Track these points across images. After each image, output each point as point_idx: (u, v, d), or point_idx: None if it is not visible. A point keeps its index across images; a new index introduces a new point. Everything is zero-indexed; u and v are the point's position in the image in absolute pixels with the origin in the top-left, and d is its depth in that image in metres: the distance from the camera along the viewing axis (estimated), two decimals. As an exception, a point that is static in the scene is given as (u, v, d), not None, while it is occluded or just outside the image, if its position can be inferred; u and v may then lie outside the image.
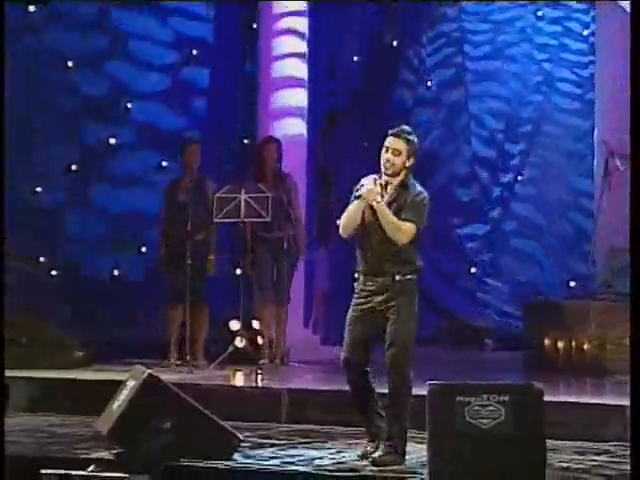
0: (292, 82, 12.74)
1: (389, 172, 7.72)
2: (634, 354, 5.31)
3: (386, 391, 7.82)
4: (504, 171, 14.28)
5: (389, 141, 7.72)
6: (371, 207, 7.72)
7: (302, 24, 12.79)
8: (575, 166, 13.81)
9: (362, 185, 7.70)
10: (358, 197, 7.73)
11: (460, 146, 14.15)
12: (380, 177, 7.75)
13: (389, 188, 7.75)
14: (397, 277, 7.80)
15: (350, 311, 7.93)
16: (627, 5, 12.91)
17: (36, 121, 11.72)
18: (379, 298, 7.82)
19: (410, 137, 7.77)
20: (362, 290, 7.88)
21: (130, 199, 12.47)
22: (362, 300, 7.87)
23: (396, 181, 7.75)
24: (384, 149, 7.73)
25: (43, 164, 11.78)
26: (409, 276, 7.82)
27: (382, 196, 7.71)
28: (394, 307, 7.79)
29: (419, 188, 7.81)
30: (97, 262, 11.96)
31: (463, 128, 14.20)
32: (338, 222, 12.83)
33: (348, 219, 7.83)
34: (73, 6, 11.81)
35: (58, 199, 12.19)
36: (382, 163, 7.71)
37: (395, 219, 7.68)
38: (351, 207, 7.80)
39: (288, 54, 12.70)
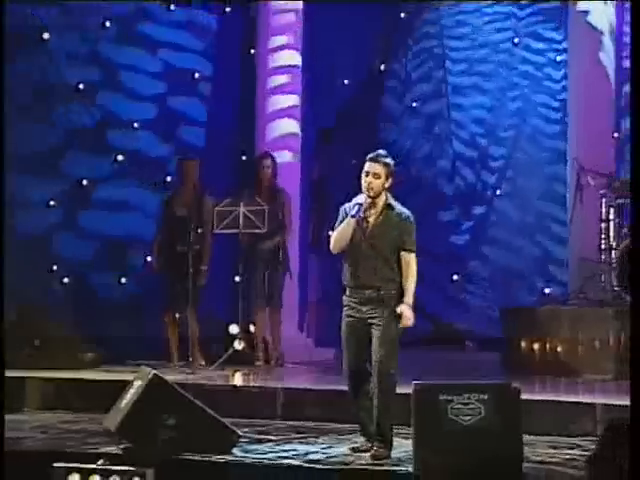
0: (286, 106, 12.74)
1: (371, 194, 7.79)
2: (634, 354, 5.19)
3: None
4: (484, 189, 14.14)
5: (368, 166, 7.80)
6: (359, 225, 7.80)
7: (296, 57, 12.82)
8: (551, 183, 13.75)
9: (355, 205, 7.75)
10: (352, 216, 7.78)
11: (442, 165, 14.03)
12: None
13: (375, 209, 7.83)
14: (382, 291, 7.86)
15: (343, 323, 8.01)
16: (596, 22, 12.95)
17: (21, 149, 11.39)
18: (365, 309, 7.88)
19: (387, 160, 7.86)
20: (350, 302, 7.96)
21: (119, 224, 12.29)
22: (351, 312, 7.95)
23: (381, 201, 7.84)
24: (364, 173, 7.81)
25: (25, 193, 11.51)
26: (393, 290, 7.88)
27: (369, 215, 7.82)
28: (379, 317, 7.84)
29: (402, 208, 7.94)
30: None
31: (444, 150, 14.10)
32: (330, 233, 12.94)
33: (339, 237, 7.91)
34: (67, 40, 11.67)
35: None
36: (364, 187, 7.80)
37: (413, 286, 7.91)
38: (342, 226, 7.87)
39: (284, 76, 12.73)
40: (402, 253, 7.88)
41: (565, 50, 13.56)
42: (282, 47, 12.77)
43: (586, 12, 12.93)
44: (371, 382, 7.92)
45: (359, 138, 13.37)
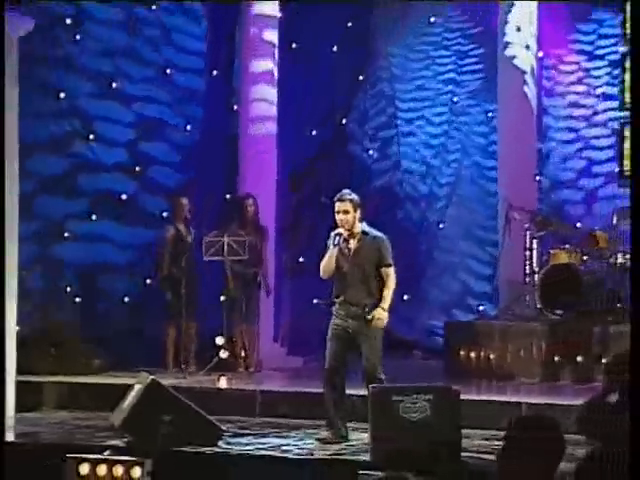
0: (264, 152, 12.69)
1: (347, 227, 7.88)
2: (634, 354, 4.89)
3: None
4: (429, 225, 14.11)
5: (338, 205, 7.87)
6: (342, 253, 7.87)
7: (273, 109, 12.78)
8: (485, 216, 13.74)
9: (335, 236, 7.84)
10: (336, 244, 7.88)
11: (393, 201, 13.96)
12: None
13: (353, 238, 7.90)
14: (366, 307, 7.94)
15: (330, 329, 8.04)
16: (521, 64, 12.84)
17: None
18: (352, 322, 7.94)
19: (351, 197, 7.93)
20: (339, 314, 8.00)
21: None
22: (339, 321, 7.99)
23: (357, 230, 7.92)
24: (336, 213, 7.88)
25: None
26: (375, 305, 7.95)
27: (350, 243, 7.89)
28: (365, 331, 7.92)
29: (376, 232, 8.05)
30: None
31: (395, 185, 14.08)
32: (301, 259, 13.00)
33: (327, 265, 7.95)
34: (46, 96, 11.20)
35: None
36: (339, 223, 7.86)
37: (390, 294, 7.95)
38: (327, 257, 7.92)
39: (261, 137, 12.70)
40: (382, 269, 7.97)
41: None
42: (259, 99, 12.69)
43: (513, 57, 12.89)
44: (344, 380, 8.01)
45: (326, 180, 13.31)
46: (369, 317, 7.90)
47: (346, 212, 7.86)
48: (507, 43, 12.91)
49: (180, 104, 12.81)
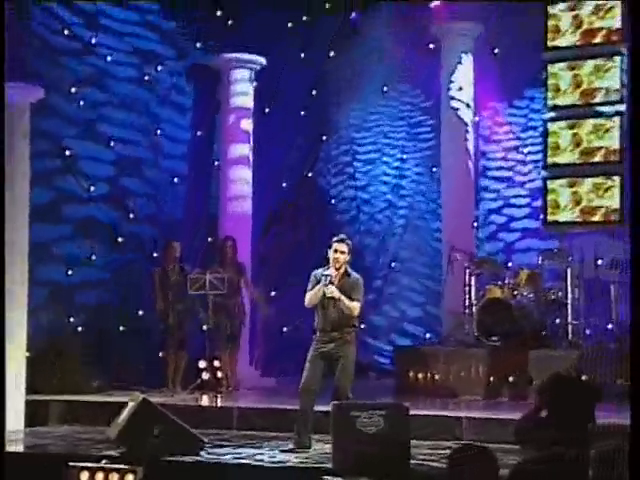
0: (242, 200, 12.81)
1: (337, 266, 7.94)
2: (634, 354, 4.66)
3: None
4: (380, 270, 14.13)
5: (336, 246, 7.94)
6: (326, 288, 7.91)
7: (249, 164, 12.90)
8: (431, 257, 13.78)
9: (325, 276, 7.89)
10: (320, 281, 7.91)
11: (353, 237, 13.93)
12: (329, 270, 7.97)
13: (338, 276, 7.96)
14: (345, 334, 8.00)
15: (310, 351, 8.06)
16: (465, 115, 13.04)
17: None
18: (331, 345, 7.98)
19: (349, 241, 8.06)
20: (320, 340, 8.03)
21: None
22: (319, 346, 8.01)
23: (342, 270, 7.99)
24: (333, 251, 7.94)
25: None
26: (352, 332, 8.05)
27: (333, 283, 7.91)
28: (342, 353, 7.98)
29: (355, 274, 8.11)
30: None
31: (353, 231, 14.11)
32: (272, 293, 12.99)
33: (313, 297, 8.00)
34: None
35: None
36: (333, 260, 7.93)
37: (348, 302, 7.91)
38: (315, 291, 7.96)
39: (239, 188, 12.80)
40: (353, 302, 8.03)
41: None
42: (237, 156, 12.81)
43: (456, 109, 13.05)
44: (315, 398, 8.01)
45: (295, 224, 13.41)
46: (354, 343, 8.00)
47: (342, 252, 7.98)
48: (449, 108, 13.06)
49: (169, 160, 12.86)
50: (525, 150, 13.54)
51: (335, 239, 8.06)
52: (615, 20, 12.42)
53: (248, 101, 12.91)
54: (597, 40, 12.53)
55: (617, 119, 12.47)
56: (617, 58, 12.40)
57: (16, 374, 9.47)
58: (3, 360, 7.85)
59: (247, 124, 12.90)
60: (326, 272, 7.97)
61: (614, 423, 7.05)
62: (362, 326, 12.72)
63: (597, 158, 12.53)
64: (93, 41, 11.96)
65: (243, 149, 12.86)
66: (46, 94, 10.15)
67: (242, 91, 12.86)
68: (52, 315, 10.89)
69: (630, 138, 5.09)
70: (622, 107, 12.47)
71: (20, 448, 8.66)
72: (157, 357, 11.30)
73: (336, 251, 7.98)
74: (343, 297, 7.94)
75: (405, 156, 14.13)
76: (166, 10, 12.66)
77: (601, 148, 12.38)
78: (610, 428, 6.22)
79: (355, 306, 8.04)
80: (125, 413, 8.14)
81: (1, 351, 7.79)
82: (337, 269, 8.00)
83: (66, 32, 11.69)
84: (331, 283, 7.94)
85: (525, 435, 5.47)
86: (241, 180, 12.80)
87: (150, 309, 11.40)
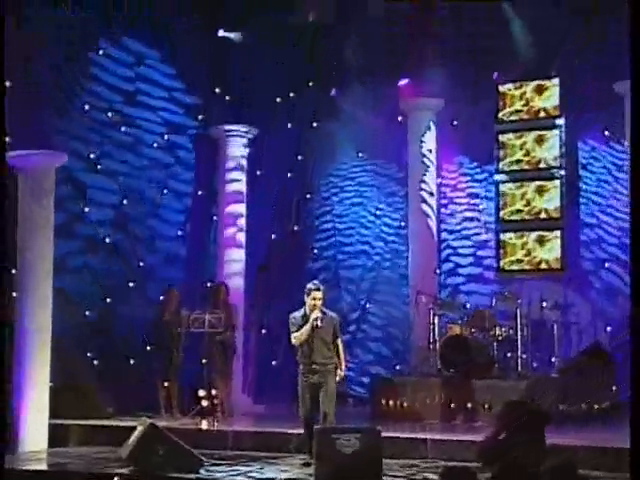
0: (235, 250, 12.81)
1: (318, 308, 8.04)
2: (634, 355, 4.45)
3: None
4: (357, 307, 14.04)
5: (314, 294, 8.04)
6: (312, 329, 7.99)
7: (243, 219, 12.91)
8: (400, 300, 13.64)
9: (315, 318, 7.96)
10: (309, 322, 7.97)
11: (332, 282, 13.72)
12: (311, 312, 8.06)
13: (317, 317, 8.00)
14: (326, 365, 8.04)
15: (300, 383, 8.08)
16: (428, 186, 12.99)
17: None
18: (316, 377, 8.01)
19: (322, 287, 8.16)
20: (305, 372, 8.06)
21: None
22: (305, 378, 8.05)
23: (320, 311, 8.06)
24: (311, 298, 8.04)
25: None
26: (334, 364, 8.09)
27: (315, 320, 7.98)
28: (325, 383, 8.00)
29: (331, 313, 8.22)
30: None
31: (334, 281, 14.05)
32: (263, 331, 12.94)
33: (302, 336, 8.03)
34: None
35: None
36: (311, 305, 8.03)
37: (343, 358, 8.12)
38: (303, 331, 8.00)
39: (233, 240, 12.82)
40: (336, 340, 8.14)
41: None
42: (232, 211, 12.80)
43: (422, 172, 13.08)
44: (314, 421, 7.98)
45: (281, 271, 13.41)
46: (334, 373, 8.05)
47: (320, 298, 8.08)
48: (415, 172, 13.14)
49: (174, 216, 12.90)
50: (480, 207, 13.63)
51: (312, 287, 8.13)
52: (553, 98, 12.76)
53: (243, 165, 13.01)
54: (539, 114, 12.86)
55: (557, 182, 12.76)
56: (555, 131, 12.73)
57: (40, 401, 9.53)
58: (3, 362, 7.75)
59: (241, 184, 12.97)
60: (313, 315, 8.02)
61: (559, 443, 7.17)
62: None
63: (542, 215, 12.78)
64: (129, 112, 12.18)
65: (238, 206, 12.92)
66: (78, 159, 10.16)
67: (237, 156, 12.96)
68: (71, 351, 10.84)
69: (630, 138, 5.10)
70: (561, 172, 12.75)
71: (44, 466, 8.68)
72: (161, 386, 11.22)
73: (314, 298, 8.07)
74: (343, 363, 8.07)
75: (378, 212, 14.15)
76: (190, 88, 12.82)
77: (543, 208, 12.67)
78: (556, 447, 6.32)
79: (342, 347, 8.19)
80: (134, 436, 8.14)
81: (1, 351, 7.70)
82: (321, 312, 8.10)
83: (107, 107, 11.90)
84: (313, 324, 8.00)
85: (487, 454, 5.54)
86: (235, 233, 12.85)
87: (155, 345, 11.37)
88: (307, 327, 8.02)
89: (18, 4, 9.36)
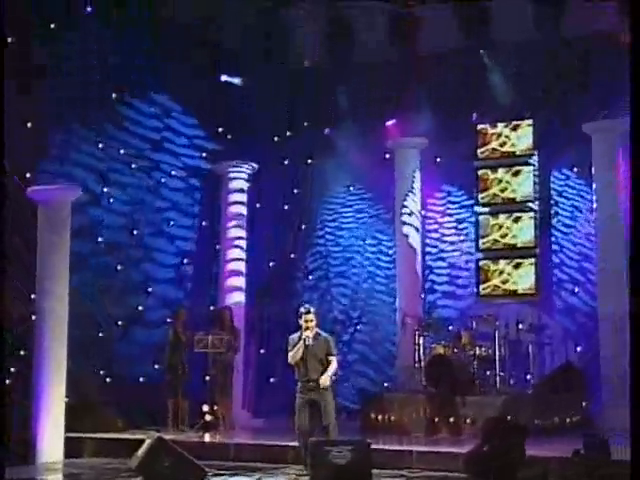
0: (237, 276, 12.79)
1: (311, 329, 7.96)
2: (634, 355, 4.29)
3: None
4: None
5: (306, 317, 7.98)
6: (305, 347, 7.91)
7: (244, 247, 12.89)
8: (388, 322, 13.59)
9: (306, 337, 7.89)
10: (302, 340, 7.90)
11: (324, 307, 13.67)
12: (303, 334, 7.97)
13: (311, 338, 7.93)
14: (321, 383, 7.91)
15: (297, 399, 7.95)
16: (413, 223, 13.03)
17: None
18: (312, 394, 7.89)
19: (314, 310, 8.09)
20: (301, 389, 7.95)
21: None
22: (301, 395, 7.93)
23: (314, 333, 7.99)
24: (304, 320, 7.97)
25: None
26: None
27: (309, 340, 7.90)
28: (322, 399, 7.89)
29: (324, 333, 8.13)
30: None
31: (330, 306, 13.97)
32: (262, 351, 12.88)
33: (297, 355, 7.95)
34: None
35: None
36: (305, 327, 7.95)
37: (332, 370, 7.93)
38: (296, 349, 7.94)
39: (235, 267, 12.80)
40: (330, 357, 8.01)
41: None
42: (234, 242, 12.82)
43: (407, 205, 13.14)
44: (308, 439, 7.80)
45: (279, 296, 13.40)
46: (331, 389, 7.95)
47: (312, 320, 8.03)
48: (401, 205, 13.20)
49: (180, 244, 12.89)
50: (460, 237, 13.69)
51: (303, 311, 8.09)
52: (527, 136, 12.93)
53: (243, 198, 13.02)
54: (514, 151, 13.00)
55: (532, 214, 12.88)
56: (530, 167, 12.90)
57: (57, 417, 9.50)
58: (2, 365, 7.70)
59: (242, 216, 12.99)
60: (304, 335, 7.99)
61: (536, 455, 7.17)
62: (333, 377, 12.76)
63: (518, 244, 12.88)
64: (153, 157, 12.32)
65: (239, 235, 12.93)
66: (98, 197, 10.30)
67: (238, 189, 12.98)
68: (84, 368, 10.81)
69: (630, 138, 4.96)
70: (535, 205, 12.87)
71: (60, 477, 8.64)
72: (169, 403, 11.14)
73: (307, 320, 8.04)
74: (329, 371, 7.93)
75: (368, 240, 14.16)
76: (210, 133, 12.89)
77: (518, 237, 12.76)
78: (533, 458, 6.33)
79: (334, 363, 8.06)
80: (143, 448, 8.11)
81: (1, 353, 7.62)
82: (313, 332, 8.06)
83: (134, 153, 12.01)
84: (304, 342, 7.93)
85: (471, 465, 5.55)
86: (237, 260, 12.84)
87: (163, 363, 11.33)
88: (299, 345, 8.00)
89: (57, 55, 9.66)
